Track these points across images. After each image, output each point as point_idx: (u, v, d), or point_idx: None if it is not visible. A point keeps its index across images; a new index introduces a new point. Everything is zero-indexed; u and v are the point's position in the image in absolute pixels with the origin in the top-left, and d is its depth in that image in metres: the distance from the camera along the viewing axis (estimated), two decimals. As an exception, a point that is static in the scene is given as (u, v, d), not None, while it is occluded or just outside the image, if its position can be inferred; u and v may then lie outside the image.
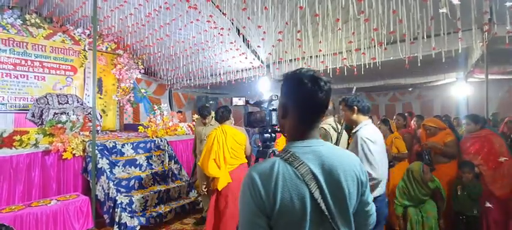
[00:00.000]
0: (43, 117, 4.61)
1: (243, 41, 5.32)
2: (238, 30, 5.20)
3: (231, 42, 5.18)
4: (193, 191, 4.36)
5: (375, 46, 3.83)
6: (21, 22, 5.40)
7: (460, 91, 5.69)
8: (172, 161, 4.72)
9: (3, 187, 3.35)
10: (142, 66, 7.26)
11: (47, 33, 5.76)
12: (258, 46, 5.26)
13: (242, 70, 6.22)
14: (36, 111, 4.82)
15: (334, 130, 2.39)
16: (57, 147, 3.73)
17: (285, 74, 0.90)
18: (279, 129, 1.71)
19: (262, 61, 5.78)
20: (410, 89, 8.63)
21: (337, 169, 0.83)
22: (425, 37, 3.33)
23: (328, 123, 2.42)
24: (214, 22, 4.63)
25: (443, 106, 7.90)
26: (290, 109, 0.88)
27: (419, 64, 3.59)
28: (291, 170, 0.80)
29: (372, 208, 0.95)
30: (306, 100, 0.85)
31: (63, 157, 3.79)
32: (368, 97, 9.93)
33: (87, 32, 6.17)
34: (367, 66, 4.02)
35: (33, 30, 5.58)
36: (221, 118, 2.98)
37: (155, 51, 6.35)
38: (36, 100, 5.04)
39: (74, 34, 6.12)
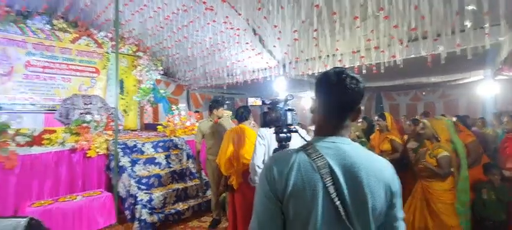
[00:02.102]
0: (69, 117, 4.86)
1: (259, 41, 5.34)
2: (254, 30, 5.22)
3: (247, 43, 5.21)
4: (210, 190, 4.43)
5: (395, 44, 3.71)
6: (50, 27, 5.72)
7: (488, 89, 5.38)
8: (190, 160, 4.83)
9: (33, 182, 3.57)
10: (161, 67, 7.47)
11: (73, 37, 6.07)
12: (274, 46, 5.26)
13: (258, 70, 6.23)
14: (63, 111, 5.09)
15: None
16: (82, 145, 3.93)
17: (320, 73, 0.93)
18: (294, 129, 1.71)
19: (278, 61, 5.77)
20: (428, 89, 8.30)
21: (359, 169, 0.80)
22: (449, 33, 3.18)
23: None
24: (230, 23, 4.68)
25: (469, 105, 7.52)
26: (317, 106, 0.91)
27: (443, 62, 3.44)
28: (308, 160, 0.82)
29: (401, 225, 0.88)
30: (330, 98, 0.87)
31: (88, 155, 3.98)
32: (388, 96, 9.64)
33: (110, 35, 6.43)
34: (386, 65, 3.91)
35: (60, 34, 5.89)
36: (240, 118, 3.02)
37: (173, 53, 6.51)
38: (63, 100, 5.33)
39: (98, 37, 6.40)
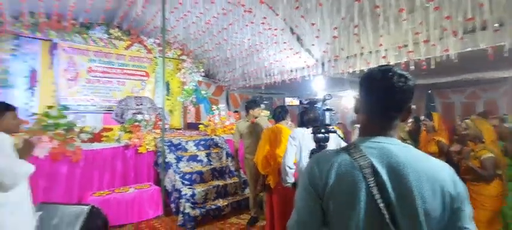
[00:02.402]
0: (124, 117, 5.39)
1: (297, 40, 5.29)
2: (292, 30, 5.18)
3: (285, 42, 5.20)
4: (248, 188, 4.53)
5: (448, 36, 3.38)
6: (107, 36, 6.39)
7: None
8: (230, 158, 4.99)
9: (94, 175, 4.03)
10: (202, 69, 7.85)
11: (126, 44, 6.69)
12: (312, 44, 5.16)
13: (296, 70, 6.17)
14: (119, 111, 5.67)
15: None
16: (135, 142, 4.32)
17: (368, 69, 0.90)
18: (332, 129, 1.67)
19: (316, 60, 5.65)
20: (489, 85, 7.32)
21: (408, 170, 0.75)
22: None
23: None
24: (268, 23, 4.72)
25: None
26: (362, 105, 0.88)
27: (506, 55, 3.03)
28: (350, 160, 0.80)
29: None
30: (375, 97, 0.84)
31: (139, 152, 4.37)
32: (440, 94, 8.77)
33: (158, 41, 6.95)
34: (438, 60, 3.57)
35: (116, 42, 6.55)
36: (278, 118, 3.05)
37: (214, 55, 6.79)
38: (119, 102, 5.93)
39: (147, 44, 6.97)
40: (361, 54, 4.53)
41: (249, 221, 3.78)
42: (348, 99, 9.18)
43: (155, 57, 7.15)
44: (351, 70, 4.85)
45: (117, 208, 3.70)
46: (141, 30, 6.58)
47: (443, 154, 3.14)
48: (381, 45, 4.00)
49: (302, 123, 2.63)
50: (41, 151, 3.47)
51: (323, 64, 5.49)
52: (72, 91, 6.05)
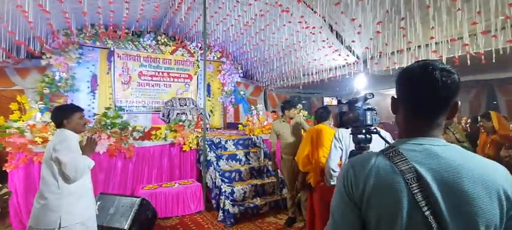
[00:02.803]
0: (170, 117, 5.80)
1: (336, 37, 5.12)
2: (331, 27, 5.04)
3: (323, 40, 5.07)
4: (286, 188, 4.52)
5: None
6: (155, 42, 6.93)
7: None
8: (267, 158, 5.04)
9: (144, 170, 4.40)
10: (241, 70, 8.05)
11: (172, 49, 7.18)
12: (353, 41, 4.95)
13: (335, 68, 5.98)
14: (165, 111, 6.12)
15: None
16: (179, 140, 4.62)
17: (405, 67, 0.81)
18: (374, 130, 1.59)
19: (357, 57, 5.40)
20: None
21: (458, 175, 0.67)
22: None
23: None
24: (306, 22, 4.66)
25: None
26: (400, 104, 0.81)
27: None
28: (389, 164, 0.72)
29: None
30: (416, 93, 0.75)
31: (183, 149, 4.65)
32: (504, 91, 7.70)
33: (199, 45, 7.32)
34: (501, 52, 3.16)
35: (162, 47, 7.06)
36: (320, 118, 3.04)
37: (252, 56, 6.92)
38: (165, 103, 6.40)
39: (190, 48, 7.39)
40: (408, 49, 4.21)
41: (287, 221, 3.78)
42: (394, 98, 8.58)
43: (197, 60, 7.53)
44: (396, 67, 4.54)
45: (163, 202, 4.00)
46: (185, 35, 6.99)
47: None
48: (431, 38, 3.68)
49: (341, 124, 2.55)
50: (101, 147, 3.91)
51: (365, 61, 5.23)
52: (125, 93, 6.69)
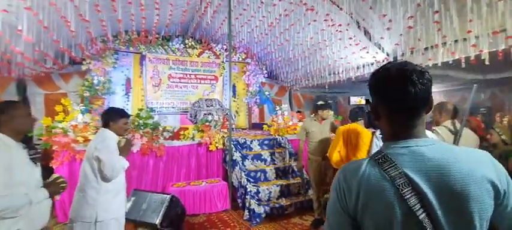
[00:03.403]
0: (197, 117, 5.99)
1: (364, 34, 4.95)
2: (358, 23, 4.88)
3: (350, 38, 4.92)
4: (312, 189, 4.46)
5: None
6: (183, 46, 7.20)
7: None
8: (293, 158, 5.01)
9: (174, 168, 4.60)
10: (265, 70, 8.08)
11: (198, 52, 7.41)
12: (382, 37, 4.75)
13: (363, 66, 5.78)
14: (192, 112, 6.33)
15: (451, 132, 2.17)
16: (206, 140, 4.75)
17: (372, 72, 0.82)
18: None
19: (387, 54, 5.17)
20: None
21: (449, 172, 0.67)
22: None
23: (445, 125, 2.26)
24: (332, 19, 4.55)
25: None
26: (381, 110, 0.80)
27: None
28: (379, 172, 0.72)
29: None
30: (395, 97, 0.76)
31: (210, 149, 4.78)
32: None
33: (225, 46, 7.47)
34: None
35: (190, 50, 7.31)
36: (354, 117, 3.04)
37: (277, 57, 6.91)
38: (192, 104, 6.63)
39: (216, 50, 7.57)
40: (444, 44, 3.94)
41: (313, 223, 3.72)
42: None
43: (223, 62, 7.69)
44: (431, 63, 4.28)
45: (192, 199, 4.15)
46: (211, 38, 7.17)
47: None
48: (469, 31, 3.41)
49: (370, 124, 2.48)
50: (134, 146, 4.16)
51: (395, 58, 4.99)
52: (156, 95, 7.03)
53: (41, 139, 3.87)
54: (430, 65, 4.34)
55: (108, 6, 4.31)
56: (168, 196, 3.54)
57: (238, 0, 4.87)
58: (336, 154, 2.89)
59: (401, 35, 4.37)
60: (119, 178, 2.21)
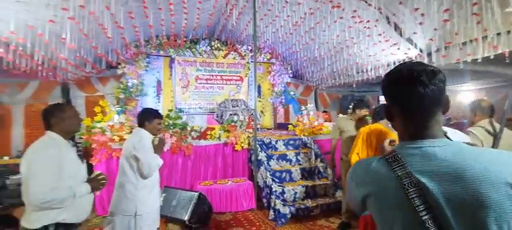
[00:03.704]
0: (223, 117, 6.13)
1: (395, 30, 4.73)
2: (388, 19, 4.67)
3: (379, 34, 4.73)
4: (339, 191, 4.36)
5: None
6: (210, 48, 7.40)
7: None
8: (318, 159, 4.93)
9: (201, 167, 4.74)
10: (291, 70, 8.03)
11: (224, 53, 7.57)
12: (414, 32, 4.51)
13: (394, 63, 5.52)
14: (219, 113, 6.48)
15: (490, 133, 1.99)
16: (232, 140, 4.85)
17: (386, 73, 0.83)
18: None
19: (420, 50, 4.90)
20: None
21: (462, 174, 0.65)
22: None
23: (481, 125, 2.09)
24: (359, 16, 4.41)
25: None
26: (394, 110, 0.82)
27: None
28: (386, 170, 0.75)
29: None
30: (405, 98, 0.77)
31: (235, 149, 4.87)
32: None
33: (250, 47, 7.55)
34: None
35: (216, 52, 7.49)
36: (377, 117, 2.91)
37: (302, 56, 6.83)
38: (219, 104, 6.79)
39: (241, 51, 7.67)
40: (484, 37, 3.65)
41: (340, 226, 3.63)
42: (467, 95, 7.52)
43: (248, 63, 7.78)
44: (469, 59, 3.98)
45: (218, 197, 4.26)
46: (236, 39, 7.29)
47: None
48: (514, 23, 3.13)
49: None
50: (165, 145, 4.36)
51: (429, 54, 4.71)
52: (184, 96, 7.30)
53: (82, 138, 4.21)
54: (469, 60, 4.04)
55: (140, 12, 4.57)
56: (196, 193, 3.67)
57: (262, 0, 4.90)
58: (355, 156, 2.74)
59: (435, 29, 4.12)
60: (153, 175, 2.36)
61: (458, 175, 0.66)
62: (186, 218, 3.42)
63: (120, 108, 4.62)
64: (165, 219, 3.50)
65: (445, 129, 1.53)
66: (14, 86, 5.71)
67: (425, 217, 0.66)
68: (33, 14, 3.43)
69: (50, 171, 1.55)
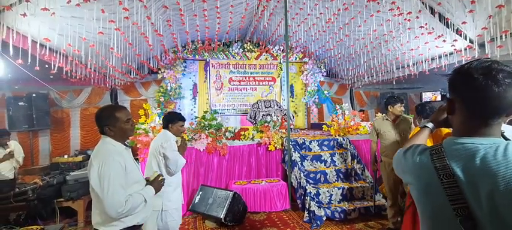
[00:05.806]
0: (256, 118, 6.20)
1: (439, 21, 4.36)
2: (432, 9, 4.32)
3: (422, 26, 4.40)
4: (379, 194, 4.14)
5: None
6: (242, 50, 7.54)
7: None
8: (355, 160, 4.73)
9: (235, 166, 4.85)
10: (324, 69, 7.83)
11: (256, 55, 7.65)
12: (464, 22, 4.10)
13: (439, 57, 5.08)
14: (252, 113, 6.57)
15: None
16: (265, 141, 4.88)
17: (455, 68, 0.81)
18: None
19: (470, 41, 4.44)
20: None
21: (498, 175, 0.66)
22: None
23: None
24: (398, 8, 4.14)
25: None
26: (458, 106, 0.80)
27: None
28: (428, 161, 0.80)
29: None
30: (476, 95, 0.74)
31: (269, 149, 4.89)
32: None
33: (282, 48, 7.54)
34: None
35: (248, 54, 7.61)
36: (420, 115, 2.76)
37: (336, 54, 6.63)
38: (252, 105, 6.88)
39: (273, 52, 7.69)
40: (551, 22, 3.19)
41: (386, 230, 3.45)
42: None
43: (280, 63, 7.76)
44: (532, 48, 3.52)
45: (252, 197, 4.31)
46: (268, 40, 7.32)
47: None
48: None
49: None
50: (201, 145, 4.55)
51: (482, 44, 4.25)
52: (219, 98, 7.53)
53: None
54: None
55: (177, 20, 4.83)
56: (231, 192, 3.77)
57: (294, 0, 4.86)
58: None
59: (490, 16, 3.71)
60: (177, 174, 2.52)
61: (493, 176, 0.67)
62: (222, 215, 3.52)
63: (160, 111, 4.93)
64: (203, 216, 3.64)
65: (504, 127, 1.38)
66: (71, 92, 6.44)
67: (455, 206, 0.72)
68: (86, 27, 3.83)
69: (121, 182, 1.54)
